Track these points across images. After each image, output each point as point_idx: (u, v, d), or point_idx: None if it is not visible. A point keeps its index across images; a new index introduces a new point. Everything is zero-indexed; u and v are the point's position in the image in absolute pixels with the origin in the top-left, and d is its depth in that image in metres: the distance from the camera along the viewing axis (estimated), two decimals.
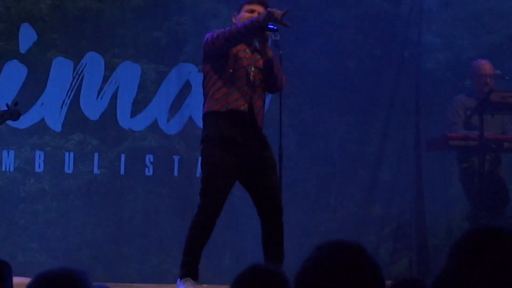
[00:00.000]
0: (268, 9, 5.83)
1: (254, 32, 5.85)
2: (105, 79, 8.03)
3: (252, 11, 5.97)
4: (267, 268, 3.03)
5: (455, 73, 8.75)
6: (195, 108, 8.32)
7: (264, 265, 3.16)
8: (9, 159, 7.43)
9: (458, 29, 8.96)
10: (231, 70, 5.96)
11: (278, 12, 5.71)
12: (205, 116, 6.07)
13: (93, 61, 8.02)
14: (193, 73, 8.42)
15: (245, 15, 6.00)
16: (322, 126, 8.84)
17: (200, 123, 8.07)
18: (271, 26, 5.79)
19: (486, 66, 7.86)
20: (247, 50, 6.00)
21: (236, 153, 5.89)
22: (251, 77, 5.96)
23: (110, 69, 8.05)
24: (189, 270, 6.03)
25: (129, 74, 8.29)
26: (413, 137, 8.75)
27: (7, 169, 7.43)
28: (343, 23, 8.85)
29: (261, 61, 5.98)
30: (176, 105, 8.43)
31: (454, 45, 9.02)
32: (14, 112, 6.34)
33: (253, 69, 6.00)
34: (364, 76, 8.85)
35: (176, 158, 8.46)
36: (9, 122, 6.34)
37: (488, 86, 7.64)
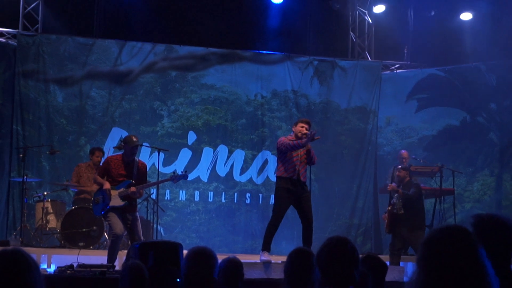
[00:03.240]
0: (309, 133, 7.52)
1: (302, 147, 7.68)
2: None
3: (302, 127, 7.69)
4: (304, 248, 4.03)
5: (394, 157, 12.42)
6: (270, 172, 12.37)
7: (303, 247, 4.24)
8: None
9: (394, 135, 12.74)
10: (290, 155, 7.66)
11: (313, 133, 7.47)
12: (277, 177, 7.92)
13: None
14: (269, 156, 12.54)
15: (298, 128, 7.77)
16: (329, 181, 12.73)
17: (272, 179, 11.88)
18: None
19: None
20: None
21: (290, 194, 7.68)
22: (299, 160, 7.66)
23: None
24: (266, 247, 7.76)
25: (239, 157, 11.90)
26: (373, 185, 12.41)
27: None
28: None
29: (304, 150, 7.70)
30: (261, 170, 12.45)
31: (392, 144, 12.77)
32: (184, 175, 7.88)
33: (300, 155, 7.67)
34: (349, 152, 12.65)
35: (260, 195, 12.55)
36: None
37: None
